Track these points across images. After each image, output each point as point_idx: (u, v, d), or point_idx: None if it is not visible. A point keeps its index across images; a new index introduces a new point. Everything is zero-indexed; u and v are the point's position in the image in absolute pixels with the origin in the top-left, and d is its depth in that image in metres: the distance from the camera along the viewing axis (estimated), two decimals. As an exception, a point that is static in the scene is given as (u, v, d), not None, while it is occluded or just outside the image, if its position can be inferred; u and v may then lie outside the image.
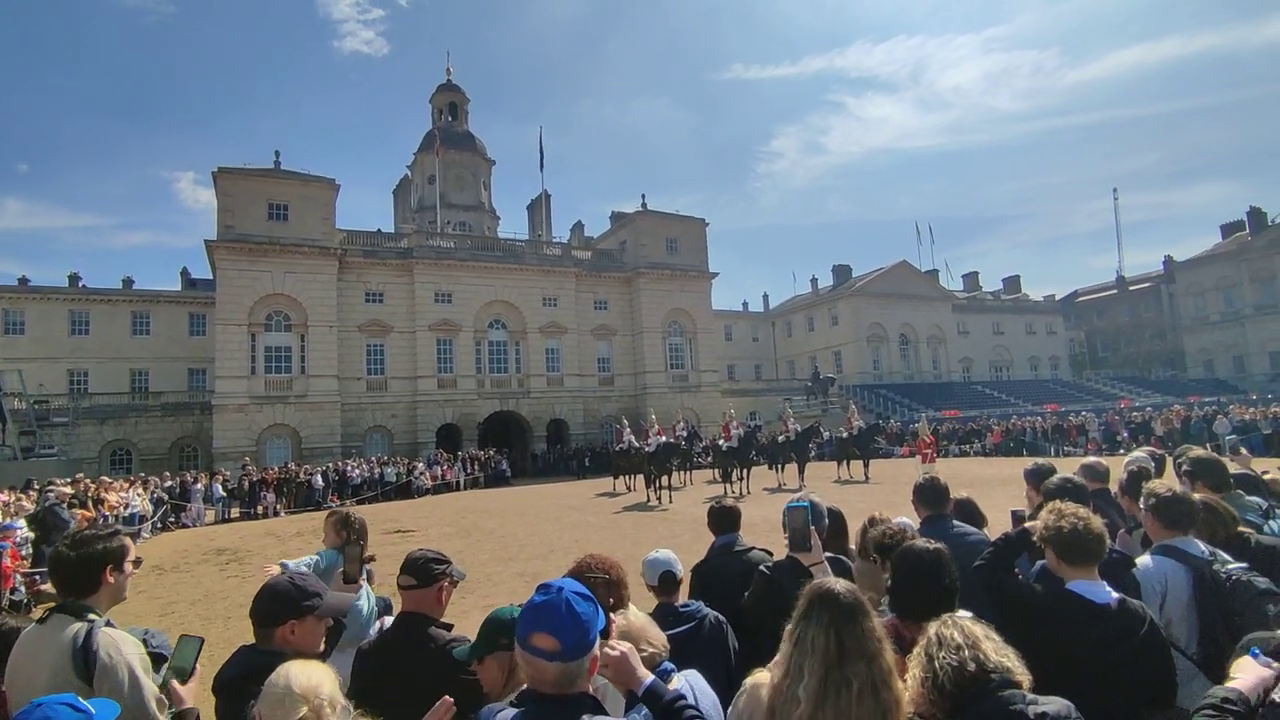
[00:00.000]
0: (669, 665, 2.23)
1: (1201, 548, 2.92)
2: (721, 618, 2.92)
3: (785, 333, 65.87)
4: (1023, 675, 1.81)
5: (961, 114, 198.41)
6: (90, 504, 15.91)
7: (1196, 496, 3.13)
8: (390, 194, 64.99)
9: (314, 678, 1.70)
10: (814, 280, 69.54)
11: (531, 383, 42.67)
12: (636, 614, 2.39)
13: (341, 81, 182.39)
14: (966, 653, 1.80)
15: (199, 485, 23.64)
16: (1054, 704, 1.80)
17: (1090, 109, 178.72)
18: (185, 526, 21.78)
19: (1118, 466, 4.93)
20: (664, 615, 2.68)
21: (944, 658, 1.81)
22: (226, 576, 12.33)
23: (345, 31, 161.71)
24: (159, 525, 20.66)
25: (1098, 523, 2.61)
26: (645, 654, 2.16)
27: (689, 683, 2.17)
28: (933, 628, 1.91)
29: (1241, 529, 3.25)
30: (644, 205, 48.76)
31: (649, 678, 1.91)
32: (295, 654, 2.14)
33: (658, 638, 2.30)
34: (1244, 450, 6.11)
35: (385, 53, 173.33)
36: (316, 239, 37.18)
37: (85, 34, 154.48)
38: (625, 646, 1.92)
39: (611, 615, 2.39)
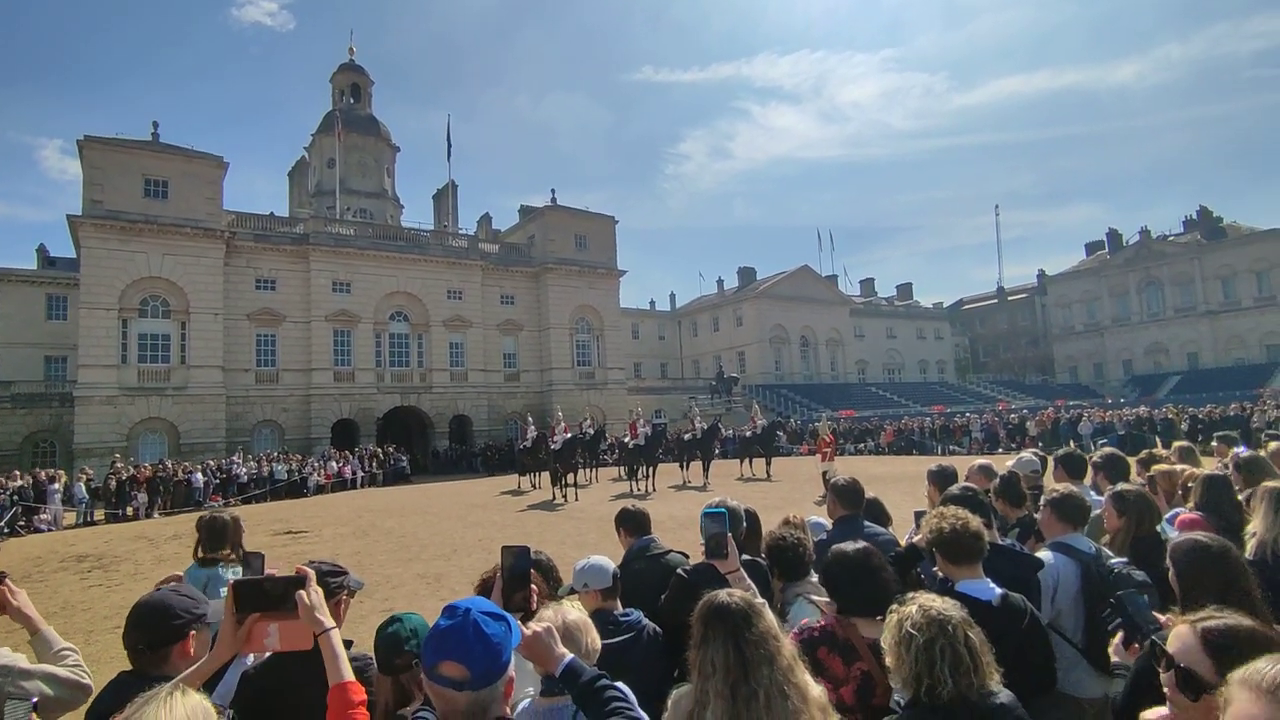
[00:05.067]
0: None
1: (1089, 544, 3.13)
2: (659, 630, 2.84)
3: (691, 332, 66.96)
4: (992, 667, 1.92)
5: (860, 128, 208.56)
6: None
7: (1132, 486, 3.34)
8: (285, 176, 61.41)
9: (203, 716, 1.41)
10: (720, 281, 71.10)
11: (434, 377, 41.40)
12: (578, 611, 2.26)
13: (239, 54, 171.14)
14: (945, 639, 1.87)
15: (57, 485, 21.45)
16: (1005, 695, 1.93)
17: (974, 131, 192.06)
18: (39, 531, 19.73)
19: (999, 467, 5.22)
20: (602, 623, 2.52)
21: (944, 646, 1.87)
22: (89, 586, 11.23)
23: (245, 0, 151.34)
24: (6, 530, 18.65)
25: (976, 522, 2.73)
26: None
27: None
28: (914, 608, 1.96)
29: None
30: (554, 200, 48.31)
31: (567, 656, 1.83)
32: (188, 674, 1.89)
33: (594, 642, 2.19)
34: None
35: (291, 27, 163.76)
36: (200, 220, 34.62)
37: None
38: (541, 626, 1.82)
39: (546, 604, 2.28)
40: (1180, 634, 1.57)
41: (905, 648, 1.89)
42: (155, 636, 2.13)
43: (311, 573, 1.87)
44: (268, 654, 2.41)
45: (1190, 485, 4.05)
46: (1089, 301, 66.39)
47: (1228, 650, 1.46)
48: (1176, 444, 6.34)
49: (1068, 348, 68.01)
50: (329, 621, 1.82)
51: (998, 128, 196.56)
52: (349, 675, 1.78)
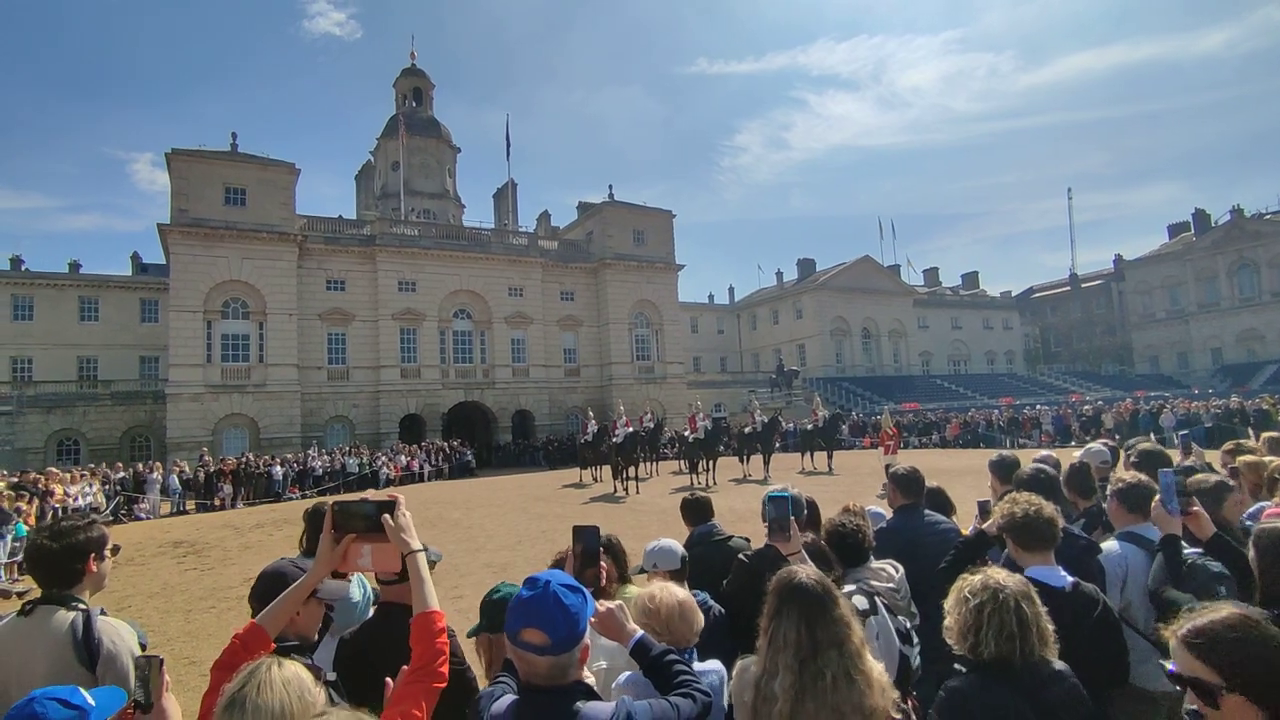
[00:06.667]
0: (692, 652, 2.26)
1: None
2: (723, 611, 2.95)
3: (750, 325, 66.39)
4: (1052, 638, 2.05)
5: (920, 113, 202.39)
6: (37, 496, 15.36)
7: (1212, 475, 3.28)
8: (352, 180, 63.73)
9: (298, 686, 1.54)
10: (779, 274, 70.25)
11: (497, 373, 42.32)
12: (678, 591, 2.34)
13: (309, 64, 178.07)
14: (995, 605, 2.00)
15: (155, 476, 22.94)
16: (1061, 664, 2.05)
17: (1043, 112, 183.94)
18: (139, 519, 21.16)
19: (1068, 459, 5.10)
20: None
21: (991, 611, 2.00)
22: (185, 569, 12.03)
23: (315, 12, 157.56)
24: (111, 518, 20.03)
25: (1050, 509, 2.72)
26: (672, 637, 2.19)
27: (716, 669, 2.21)
28: (977, 576, 2.10)
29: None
30: (611, 196, 48.58)
31: (638, 632, 1.96)
32: (296, 638, 2.11)
33: (694, 624, 2.29)
34: (1195, 445, 6.33)
35: (358, 36, 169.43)
36: (275, 224, 36.26)
37: (35, 6, 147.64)
38: (613, 603, 1.97)
39: (645, 588, 2.42)
40: (1174, 649, 1.55)
41: (960, 607, 2.06)
42: (267, 598, 2.37)
43: (402, 497, 1.99)
44: (359, 623, 2.62)
45: (1278, 478, 3.87)
46: (1172, 287, 62.76)
47: (1211, 645, 1.46)
48: (1266, 434, 5.98)
49: (1147, 336, 64.54)
50: (416, 544, 1.92)
51: (1068, 107, 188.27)
52: (434, 603, 1.88)
